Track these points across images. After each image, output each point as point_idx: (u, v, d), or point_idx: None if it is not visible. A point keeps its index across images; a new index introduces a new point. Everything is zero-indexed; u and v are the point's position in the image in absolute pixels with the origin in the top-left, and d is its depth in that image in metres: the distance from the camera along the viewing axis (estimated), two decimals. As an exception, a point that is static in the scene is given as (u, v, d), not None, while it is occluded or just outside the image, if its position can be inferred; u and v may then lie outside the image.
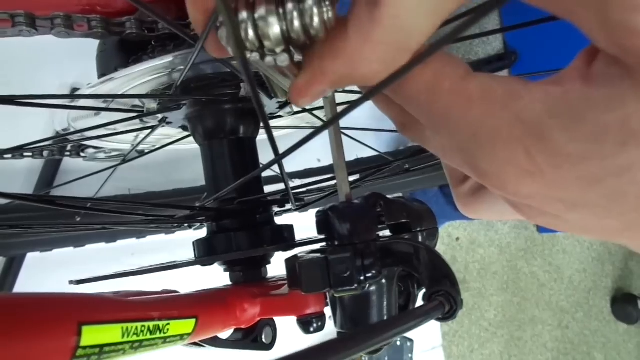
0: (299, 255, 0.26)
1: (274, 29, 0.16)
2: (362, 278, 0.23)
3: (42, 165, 0.75)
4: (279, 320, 0.36)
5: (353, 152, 0.81)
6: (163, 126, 0.43)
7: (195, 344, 0.30)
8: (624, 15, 0.12)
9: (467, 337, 1.34)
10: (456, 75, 0.16)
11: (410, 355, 1.10)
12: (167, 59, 0.32)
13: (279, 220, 0.40)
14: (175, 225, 0.42)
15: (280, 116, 0.50)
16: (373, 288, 0.25)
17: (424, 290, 0.23)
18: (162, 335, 0.23)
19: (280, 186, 0.35)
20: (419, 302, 0.28)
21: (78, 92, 0.37)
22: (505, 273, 1.43)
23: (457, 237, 1.35)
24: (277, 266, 0.39)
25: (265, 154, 0.41)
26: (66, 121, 0.43)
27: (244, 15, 0.16)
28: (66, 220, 0.62)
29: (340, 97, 0.35)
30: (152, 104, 0.40)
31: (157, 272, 0.33)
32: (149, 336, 0.22)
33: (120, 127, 0.46)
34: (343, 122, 0.25)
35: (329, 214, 0.24)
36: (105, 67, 0.40)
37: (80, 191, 0.63)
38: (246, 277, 0.37)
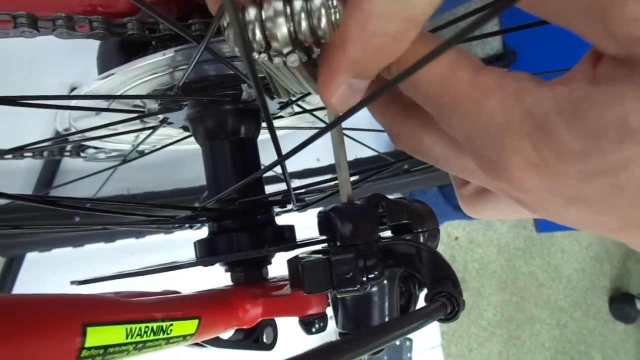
0: (301, 256, 0.26)
1: (282, 29, 0.16)
2: (364, 279, 0.23)
3: (41, 165, 0.75)
4: (280, 321, 0.36)
5: (352, 152, 0.81)
6: (164, 126, 0.43)
7: (197, 344, 0.30)
8: (626, 28, 0.13)
9: (466, 337, 1.35)
10: (471, 67, 0.17)
11: (409, 354, 1.11)
12: (169, 54, 0.32)
13: (278, 221, 0.40)
14: (177, 225, 0.42)
15: (281, 116, 0.50)
16: (375, 289, 0.25)
17: (424, 291, 0.23)
18: (166, 336, 0.23)
19: (280, 186, 0.35)
20: (420, 303, 0.28)
21: (78, 91, 0.37)
22: (503, 272, 1.44)
23: (456, 236, 1.35)
24: (277, 267, 0.39)
25: (264, 154, 0.41)
26: (67, 121, 0.43)
27: (251, 15, 0.16)
28: (66, 220, 0.62)
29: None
30: (153, 104, 0.40)
31: (159, 273, 0.33)
32: (152, 337, 0.22)
33: (120, 128, 0.46)
34: (343, 123, 0.25)
35: (331, 215, 0.24)
36: (106, 68, 0.40)
37: (79, 191, 0.63)
38: (247, 278, 0.37)
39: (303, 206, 0.39)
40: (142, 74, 0.35)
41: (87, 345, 0.18)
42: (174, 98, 0.37)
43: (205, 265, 0.36)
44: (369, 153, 0.81)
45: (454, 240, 1.35)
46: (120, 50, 0.39)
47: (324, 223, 0.25)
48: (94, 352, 0.18)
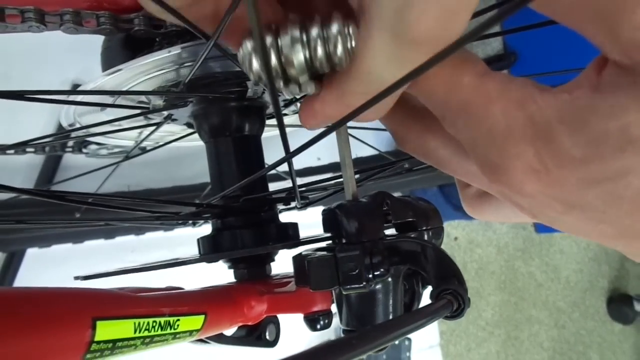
0: (306, 253, 0.26)
1: (299, 56, 0.16)
2: (370, 276, 0.23)
3: (42, 161, 0.75)
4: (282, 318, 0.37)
5: (353, 151, 0.81)
6: (168, 123, 0.43)
7: (201, 340, 0.30)
8: (632, 33, 0.13)
9: (465, 336, 1.35)
10: (475, 72, 0.17)
11: (408, 353, 1.11)
12: (177, 50, 0.32)
13: (281, 218, 0.40)
14: (180, 222, 0.42)
15: (285, 114, 0.51)
16: (380, 286, 0.25)
17: (428, 289, 0.23)
18: (173, 331, 0.23)
19: (281, 184, 0.35)
20: (424, 301, 0.28)
21: (84, 87, 0.37)
22: (502, 273, 1.44)
23: (456, 236, 1.35)
24: (280, 264, 0.39)
25: (268, 152, 0.41)
26: (72, 116, 0.43)
27: (268, 41, 0.16)
28: (68, 216, 0.62)
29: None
30: (157, 101, 0.40)
31: (162, 269, 0.33)
32: (159, 332, 0.22)
33: (124, 124, 0.46)
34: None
35: (337, 212, 0.25)
36: (111, 64, 0.40)
37: (80, 187, 0.63)
38: (250, 275, 0.37)
39: (307, 204, 0.39)
40: (149, 70, 0.35)
41: (96, 339, 0.18)
42: (180, 95, 0.37)
43: (209, 261, 0.36)
44: (369, 152, 0.81)
45: (453, 241, 1.35)
46: (124, 46, 0.39)
47: (329, 220, 0.25)
48: (103, 346, 0.19)
